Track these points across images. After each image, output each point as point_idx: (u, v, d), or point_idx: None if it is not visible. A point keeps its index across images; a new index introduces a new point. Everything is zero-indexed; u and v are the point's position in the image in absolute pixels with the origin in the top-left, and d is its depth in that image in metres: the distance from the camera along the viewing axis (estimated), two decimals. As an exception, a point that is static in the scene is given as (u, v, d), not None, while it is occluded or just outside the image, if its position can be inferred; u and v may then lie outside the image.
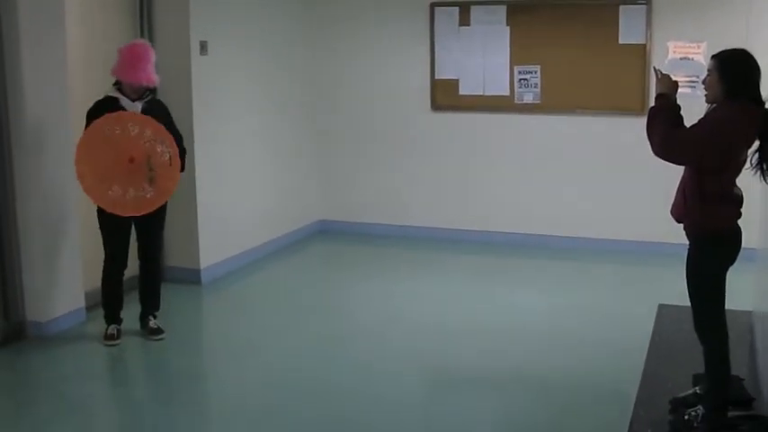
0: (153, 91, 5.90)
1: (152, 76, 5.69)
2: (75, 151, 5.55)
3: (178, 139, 5.84)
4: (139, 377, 5.38)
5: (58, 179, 5.98)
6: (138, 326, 6.04)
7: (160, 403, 5.06)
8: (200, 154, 7.09)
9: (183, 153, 5.87)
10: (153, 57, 5.72)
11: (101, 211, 5.76)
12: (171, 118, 5.97)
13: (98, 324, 5.97)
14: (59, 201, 6.06)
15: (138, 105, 5.69)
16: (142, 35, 6.90)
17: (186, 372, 5.51)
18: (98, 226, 5.82)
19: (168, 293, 6.80)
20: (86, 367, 5.47)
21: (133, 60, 5.61)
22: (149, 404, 5.05)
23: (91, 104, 5.75)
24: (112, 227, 5.79)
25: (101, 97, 5.74)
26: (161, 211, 5.94)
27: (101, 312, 5.96)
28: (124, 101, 5.65)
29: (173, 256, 7.26)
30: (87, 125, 5.64)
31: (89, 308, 6.28)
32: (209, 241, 7.28)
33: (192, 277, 7.17)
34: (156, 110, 5.81)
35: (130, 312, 6.04)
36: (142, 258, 6.05)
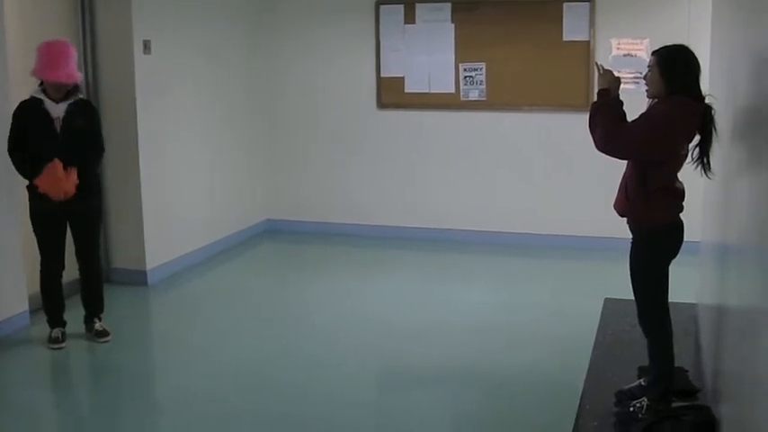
0: (76, 90, 5.72)
1: (74, 74, 5.57)
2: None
3: (98, 143, 5.78)
4: (86, 381, 5.31)
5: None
6: (83, 329, 5.96)
7: (107, 406, 4.99)
8: (144, 154, 7.02)
9: (97, 155, 5.81)
10: (74, 54, 5.60)
11: (33, 214, 5.67)
12: (97, 119, 5.86)
13: (43, 327, 5.88)
14: None
15: (63, 107, 5.56)
16: (83, 33, 6.81)
17: (133, 374, 5.44)
18: (32, 229, 5.74)
19: (114, 295, 6.73)
20: (31, 372, 5.38)
21: (52, 58, 5.46)
22: (96, 408, 4.98)
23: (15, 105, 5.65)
24: (45, 228, 5.70)
25: (26, 98, 5.62)
26: (95, 210, 5.87)
27: (44, 316, 5.87)
28: (48, 103, 5.54)
29: (118, 257, 7.18)
30: (12, 126, 5.55)
31: (33, 311, 6.18)
32: (155, 242, 7.21)
33: (138, 279, 7.10)
34: (81, 111, 5.68)
35: (76, 315, 5.95)
36: (80, 260, 5.95)
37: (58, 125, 5.56)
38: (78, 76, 5.65)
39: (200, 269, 7.65)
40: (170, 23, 7.33)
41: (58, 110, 5.56)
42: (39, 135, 5.54)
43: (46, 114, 5.54)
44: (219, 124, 8.27)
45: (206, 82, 7.98)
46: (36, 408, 4.92)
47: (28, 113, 5.54)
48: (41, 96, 5.56)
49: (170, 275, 7.34)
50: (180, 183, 7.58)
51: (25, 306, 6.12)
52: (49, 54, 5.48)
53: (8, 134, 5.62)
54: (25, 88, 5.73)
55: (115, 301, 6.79)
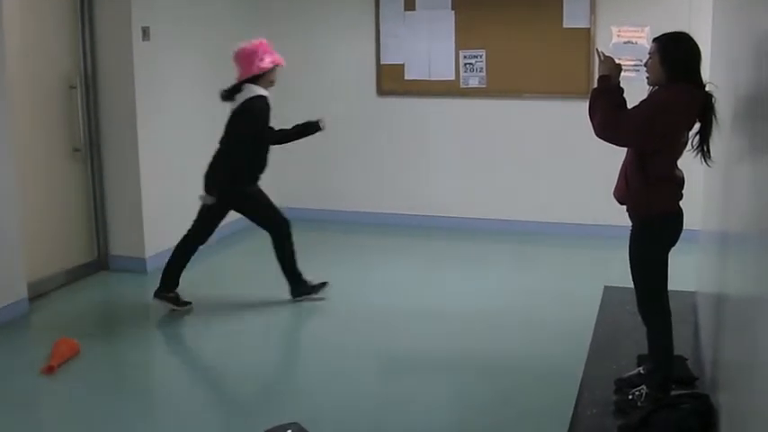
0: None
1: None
2: None
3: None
4: (84, 368, 5.30)
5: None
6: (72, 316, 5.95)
7: (105, 394, 4.99)
8: (143, 141, 7.01)
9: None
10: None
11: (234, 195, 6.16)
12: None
13: (42, 315, 5.87)
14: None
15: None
16: (82, 20, 6.78)
17: (132, 362, 5.44)
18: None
19: (113, 283, 6.73)
20: (31, 359, 5.36)
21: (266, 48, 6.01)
22: (95, 395, 4.97)
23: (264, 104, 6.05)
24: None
25: (266, 98, 6.00)
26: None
27: (43, 303, 5.86)
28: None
29: (117, 244, 7.17)
30: (261, 120, 6.02)
31: (32, 298, 6.18)
32: (154, 229, 7.20)
33: (137, 266, 7.09)
34: None
35: (69, 308, 5.95)
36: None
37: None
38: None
39: (199, 257, 7.59)
40: (169, 10, 7.30)
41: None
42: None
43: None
44: (219, 111, 8.20)
45: (205, 69, 7.94)
46: (34, 395, 4.92)
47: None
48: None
49: (169, 263, 7.32)
50: (179, 170, 7.55)
51: (24, 293, 6.11)
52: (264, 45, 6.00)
53: (250, 129, 6.00)
54: (25, 75, 5.72)
55: (114, 288, 6.81)
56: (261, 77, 5.95)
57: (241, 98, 5.95)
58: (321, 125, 6.37)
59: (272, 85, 6.07)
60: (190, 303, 6.20)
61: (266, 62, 5.93)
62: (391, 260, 7.60)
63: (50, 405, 4.87)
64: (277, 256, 6.38)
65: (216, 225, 6.27)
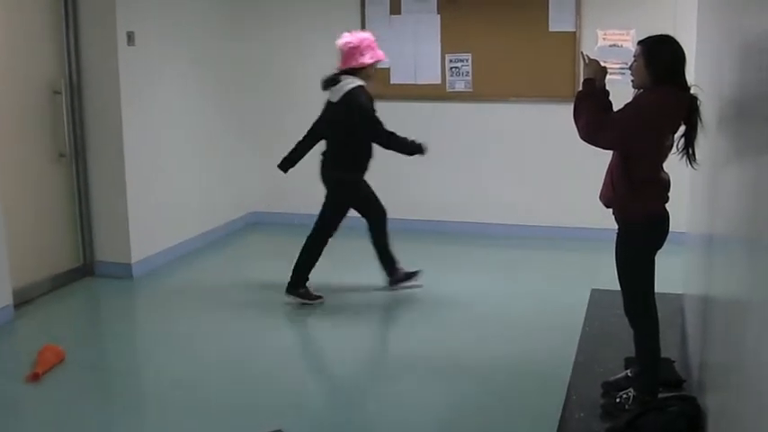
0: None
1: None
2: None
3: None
4: (70, 374, 5.27)
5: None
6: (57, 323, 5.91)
7: (91, 400, 4.96)
8: (129, 146, 6.98)
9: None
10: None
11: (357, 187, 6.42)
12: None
13: (27, 321, 5.84)
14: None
15: None
16: (67, 25, 6.75)
17: (118, 367, 5.41)
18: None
19: (99, 289, 6.70)
20: (15, 366, 5.33)
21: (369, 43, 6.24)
22: (80, 402, 4.95)
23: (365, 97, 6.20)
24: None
25: (364, 87, 6.21)
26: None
27: (28, 310, 5.83)
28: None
29: (103, 250, 7.13)
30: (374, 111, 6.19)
31: (17, 305, 6.14)
32: (140, 235, 7.17)
33: (122, 272, 7.06)
34: None
35: (50, 313, 5.91)
36: None
37: None
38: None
39: (186, 262, 7.61)
40: (154, 14, 7.28)
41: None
42: None
43: None
44: (204, 116, 8.23)
45: (190, 74, 7.93)
46: (20, 402, 4.89)
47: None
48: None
49: (155, 269, 7.31)
50: (165, 175, 7.53)
51: (9, 299, 6.08)
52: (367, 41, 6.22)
53: (378, 120, 6.21)
54: (10, 73, 5.69)
55: (100, 294, 6.79)
56: (360, 70, 6.20)
57: (340, 90, 6.18)
58: (424, 150, 6.46)
59: (369, 79, 6.30)
60: (321, 297, 6.42)
61: (366, 58, 6.18)
62: (375, 264, 7.57)
63: (35, 412, 4.83)
64: (374, 245, 6.63)
65: (343, 217, 6.48)
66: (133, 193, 7.06)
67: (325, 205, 6.46)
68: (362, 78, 6.21)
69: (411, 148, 6.40)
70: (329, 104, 6.32)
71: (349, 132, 6.24)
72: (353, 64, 6.18)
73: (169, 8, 7.52)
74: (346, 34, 6.28)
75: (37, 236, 6.61)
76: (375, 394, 5.02)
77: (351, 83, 6.16)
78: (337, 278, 7.01)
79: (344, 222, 6.46)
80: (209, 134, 8.30)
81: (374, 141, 6.32)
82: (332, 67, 8.61)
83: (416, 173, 8.56)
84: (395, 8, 8.39)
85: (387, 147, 6.35)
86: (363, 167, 6.41)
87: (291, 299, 6.39)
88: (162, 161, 7.48)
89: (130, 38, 6.93)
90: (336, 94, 6.20)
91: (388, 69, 8.49)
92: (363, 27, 8.44)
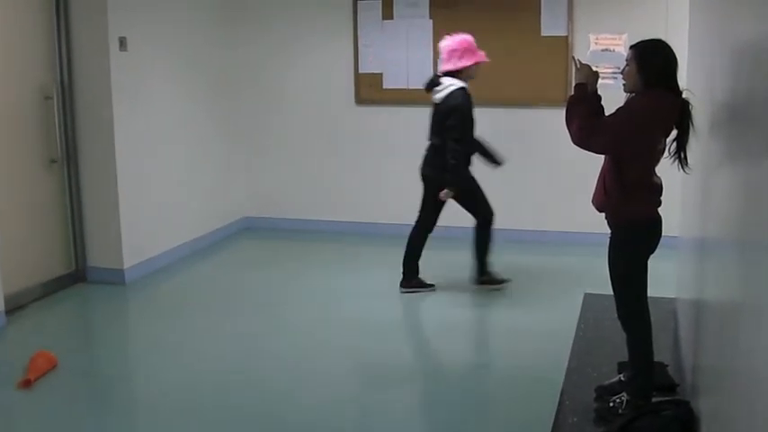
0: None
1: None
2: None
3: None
4: (62, 381, 5.25)
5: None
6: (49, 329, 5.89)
7: (84, 407, 4.95)
8: (121, 151, 6.96)
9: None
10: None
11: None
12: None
13: (19, 328, 5.82)
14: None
15: None
16: (59, 30, 6.74)
17: (110, 374, 5.39)
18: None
19: (91, 294, 6.68)
20: (8, 372, 5.31)
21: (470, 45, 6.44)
22: (73, 408, 4.93)
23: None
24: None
25: (465, 89, 6.43)
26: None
27: (20, 316, 5.80)
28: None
29: (95, 256, 7.12)
30: (467, 117, 6.42)
31: (9, 312, 6.12)
32: (133, 241, 7.15)
33: (115, 278, 7.04)
34: None
35: (42, 319, 5.89)
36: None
37: None
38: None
39: (178, 268, 7.60)
40: (146, 20, 7.27)
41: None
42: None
43: None
44: (196, 121, 8.22)
45: (182, 79, 7.93)
46: (12, 408, 4.87)
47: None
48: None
49: (147, 274, 7.29)
50: (157, 180, 7.52)
51: (1, 306, 6.06)
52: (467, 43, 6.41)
53: (460, 125, 6.39)
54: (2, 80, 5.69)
55: (92, 300, 6.77)
56: (460, 71, 6.41)
57: (442, 91, 6.44)
58: (502, 163, 6.86)
59: (471, 79, 6.50)
60: (433, 285, 6.79)
61: (464, 60, 6.39)
62: (368, 269, 7.58)
63: (27, 419, 4.81)
64: (475, 241, 6.79)
65: (440, 212, 6.74)
66: (125, 199, 7.05)
67: (422, 201, 6.77)
68: (463, 79, 6.44)
69: (493, 157, 6.83)
70: (433, 105, 6.57)
71: (453, 133, 6.46)
72: (453, 67, 6.41)
73: (161, 13, 7.51)
74: (447, 37, 6.50)
75: (29, 242, 6.60)
76: (367, 401, 5.00)
77: (452, 84, 6.41)
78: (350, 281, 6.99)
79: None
80: (201, 139, 8.29)
81: (471, 135, 6.63)
82: (323, 71, 8.68)
83: (408, 178, 8.55)
84: (387, 13, 8.39)
85: (474, 152, 6.71)
86: (469, 164, 6.64)
87: (406, 292, 6.75)
88: (154, 167, 7.47)
89: (122, 43, 6.92)
90: (438, 95, 6.45)
91: (381, 74, 8.49)
92: (356, 32, 8.47)
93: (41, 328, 6.11)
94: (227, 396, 4.94)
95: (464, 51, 6.40)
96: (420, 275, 6.81)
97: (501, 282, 6.83)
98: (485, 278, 6.80)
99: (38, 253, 6.69)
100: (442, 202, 6.63)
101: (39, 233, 6.72)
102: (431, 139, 6.63)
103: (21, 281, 6.39)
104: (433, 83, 6.50)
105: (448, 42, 6.46)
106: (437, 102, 6.49)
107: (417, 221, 6.82)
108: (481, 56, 6.46)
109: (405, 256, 6.80)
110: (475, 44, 6.47)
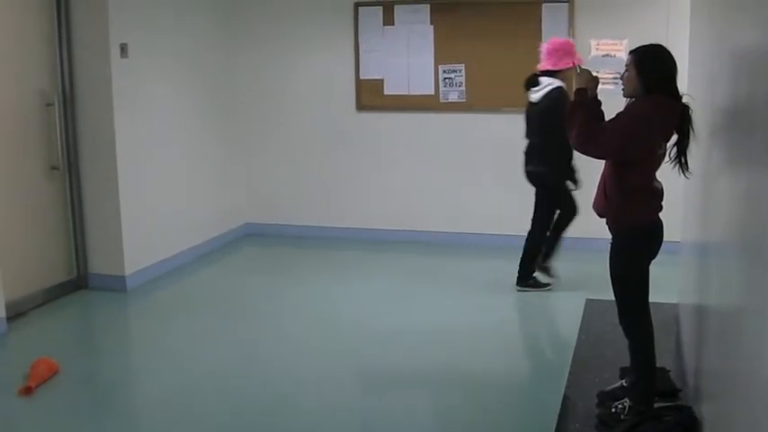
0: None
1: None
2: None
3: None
4: (64, 387, 5.25)
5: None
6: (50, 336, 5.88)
7: (84, 413, 4.94)
8: (122, 158, 6.96)
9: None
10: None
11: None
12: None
13: (20, 334, 5.81)
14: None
15: None
16: (60, 37, 6.75)
17: (112, 380, 5.39)
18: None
19: (92, 301, 6.68)
20: (9, 379, 5.31)
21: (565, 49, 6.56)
22: (74, 415, 4.92)
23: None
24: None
25: (562, 87, 6.47)
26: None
27: (21, 323, 5.80)
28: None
29: (96, 263, 7.11)
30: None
31: (10, 318, 6.12)
32: (134, 247, 7.15)
33: (116, 284, 7.04)
34: None
35: (44, 326, 5.88)
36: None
37: None
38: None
39: (180, 274, 7.60)
40: (147, 26, 7.27)
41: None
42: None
43: None
44: (198, 128, 8.23)
45: (184, 85, 7.93)
46: (13, 415, 4.86)
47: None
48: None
49: (149, 281, 7.29)
50: (158, 187, 7.52)
51: (2, 312, 6.05)
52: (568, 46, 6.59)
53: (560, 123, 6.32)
54: (2, 88, 5.69)
55: (93, 307, 6.77)
56: (558, 72, 6.52)
57: (540, 91, 6.57)
58: (577, 187, 6.81)
59: (567, 80, 6.44)
60: (549, 285, 6.92)
61: (563, 62, 6.50)
62: (371, 276, 7.57)
63: (29, 426, 4.80)
64: (553, 229, 6.94)
65: (555, 212, 6.88)
66: (126, 206, 7.05)
67: (535, 203, 6.89)
68: (562, 79, 6.52)
69: (572, 172, 6.77)
70: (530, 104, 6.71)
71: (546, 131, 6.57)
72: (552, 66, 6.53)
73: (162, 20, 7.52)
74: (551, 39, 6.72)
75: (30, 249, 6.60)
76: (367, 407, 5.00)
77: (550, 84, 6.52)
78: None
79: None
80: (202, 146, 8.29)
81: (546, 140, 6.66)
82: (324, 77, 8.68)
83: (409, 184, 8.56)
84: (388, 19, 8.40)
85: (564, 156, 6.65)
86: (563, 166, 6.67)
87: (523, 291, 6.90)
88: (155, 173, 7.47)
89: (123, 50, 6.93)
90: (536, 94, 6.59)
91: (382, 80, 8.50)
92: (357, 38, 8.47)
93: (43, 335, 6.11)
94: (228, 402, 4.94)
95: (565, 53, 6.53)
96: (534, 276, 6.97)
97: (545, 285, 6.97)
98: (531, 281, 6.97)
99: (39, 260, 6.69)
100: (556, 200, 6.80)
101: (40, 240, 6.72)
102: (529, 137, 6.77)
103: (22, 287, 6.39)
104: (532, 82, 6.63)
105: (549, 44, 6.62)
106: (534, 101, 6.63)
107: (534, 224, 6.93)
108: (580, 58, 6.58)
109: (522, 260, 6.96)
110: (574, 48, 6.66)
